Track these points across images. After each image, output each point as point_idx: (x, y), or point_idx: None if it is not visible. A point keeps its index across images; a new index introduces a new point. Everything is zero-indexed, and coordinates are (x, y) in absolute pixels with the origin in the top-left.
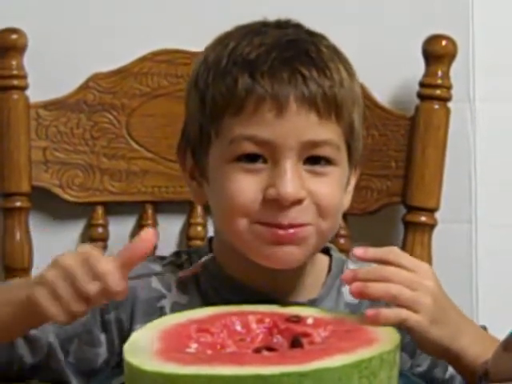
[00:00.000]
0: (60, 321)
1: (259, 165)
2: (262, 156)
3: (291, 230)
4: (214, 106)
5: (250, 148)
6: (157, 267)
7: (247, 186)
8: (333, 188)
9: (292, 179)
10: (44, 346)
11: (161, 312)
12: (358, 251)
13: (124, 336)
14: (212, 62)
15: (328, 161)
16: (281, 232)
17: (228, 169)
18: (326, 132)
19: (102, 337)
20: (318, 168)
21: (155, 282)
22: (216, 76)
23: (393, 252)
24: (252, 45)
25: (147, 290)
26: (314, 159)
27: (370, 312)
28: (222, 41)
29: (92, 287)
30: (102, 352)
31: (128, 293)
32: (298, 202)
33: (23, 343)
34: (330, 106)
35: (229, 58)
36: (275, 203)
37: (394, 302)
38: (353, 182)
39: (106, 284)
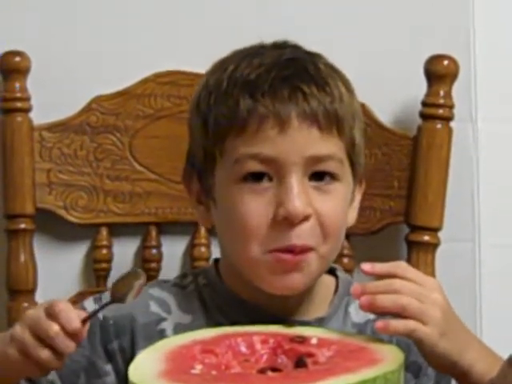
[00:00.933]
0: (36, 374)
1: (265, 184)
2: (268, 174)
3: (300, 256)
4: (217, 127)
5: (254, 167)
6: (156, 292)
7: (255, 208)
8: (337, 206)
9: (299, 195)
10: None
11: (161, 335)
12: (366, 266)
13: (129, 363)
14: (213, 85)
15: (332, 177)
16: (289, 258)
17: (235, 190)
18: (328, 146)
19: (108, 367)
20: (323, 185)
21: (154, 306)
22: (217, 99)
23: (400, 266)
24: (251, 66)
25: (146, 314)
26: (318, 176)
27: (380, 323)
28: (221, 65)
29: (52, 327)
30: (110, 381)
31: (126, 319)
32: (306, 218)
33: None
34: (331, 121)
35: (229, 80)
36: (285, 221)
37: (402, 313)
38: (358, 197)
39: (61, 321)
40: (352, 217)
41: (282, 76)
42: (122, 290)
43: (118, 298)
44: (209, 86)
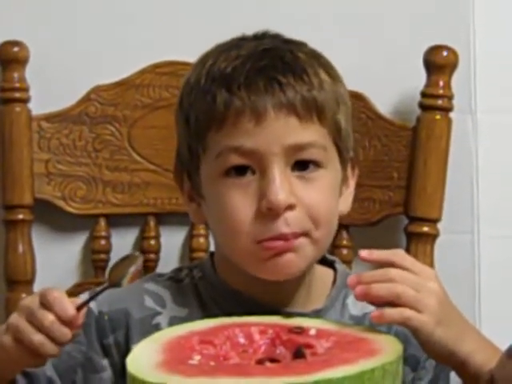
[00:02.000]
0: (32, 363)
1: (248, 177)
2: (250, 167)
3: (291, 240)
4: (198, 123)
5: (236, 160)
6: (150, 286)
7: (241, 202)
8: (323, 194)
9: (281, 186)
10: (43, 382)
11: (156, 329)
12: (363, 253)
13: (124, 358)
14: (193, 81)
15: (316, 164)
16: (279, 244)
17: (219, 185)
18: (309, 134)
19: (105, 362)
20: (306, 173)
21: (148, 301)
22: (197, 95)
23: (397, 254)
24: (228, 59)
25: (140, 309)
26: (302, 164)
27: (375, 313)
28: (202, 60)
29: (47, 317)
30: (107, 376)
31: (121, 314)
32: (290, 207)
33: (23, 380)
34: (310, 109)
35: (207, 75)
36: (270, 213)
37: (397, 301)
38: (352, 183)
39: (56, 309)
40: (347, 205)
41: (258, 67)
42: (118, 275)
43: (113, 282)
44: (190, 82)
